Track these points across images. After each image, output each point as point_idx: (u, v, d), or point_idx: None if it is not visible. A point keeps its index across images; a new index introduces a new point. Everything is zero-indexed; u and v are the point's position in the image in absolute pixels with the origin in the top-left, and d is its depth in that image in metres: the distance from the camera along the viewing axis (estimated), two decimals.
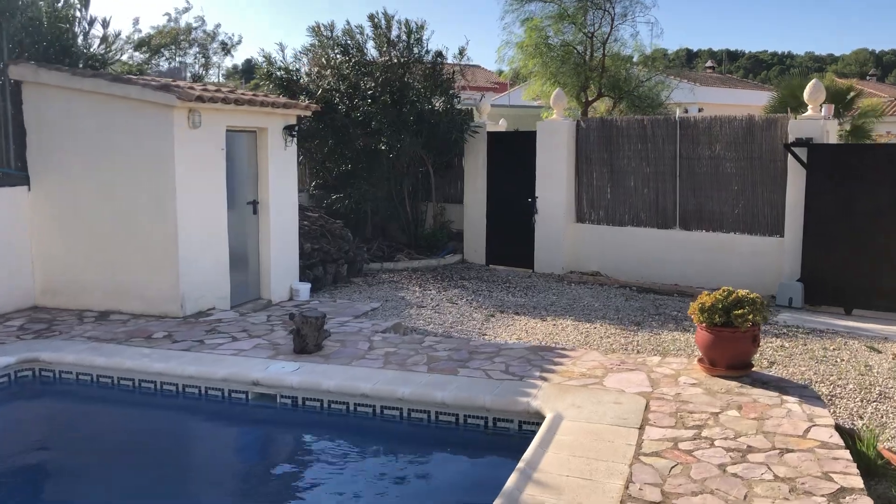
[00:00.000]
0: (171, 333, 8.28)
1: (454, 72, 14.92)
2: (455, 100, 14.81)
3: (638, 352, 8.60)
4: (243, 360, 7.26)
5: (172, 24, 19.36)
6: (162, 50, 16.63)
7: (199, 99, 8.61)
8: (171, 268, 8.81)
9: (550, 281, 13.02)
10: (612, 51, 20.00)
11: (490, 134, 14.52)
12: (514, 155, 14.27)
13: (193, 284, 9.03)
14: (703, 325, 6.68)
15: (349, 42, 14.92)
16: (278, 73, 14.73)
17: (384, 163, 14.36)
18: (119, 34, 12.09)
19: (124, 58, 13.78)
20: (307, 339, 7.44)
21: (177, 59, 19.07)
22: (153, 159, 8.71)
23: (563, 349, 8.02)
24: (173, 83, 9.04)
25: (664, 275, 12.62)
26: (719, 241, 12.22)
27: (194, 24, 20.73)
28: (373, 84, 14.01)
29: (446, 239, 15.42)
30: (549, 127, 13.77)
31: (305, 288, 10.99)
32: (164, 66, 17.16)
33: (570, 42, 20.04)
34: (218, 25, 38.80)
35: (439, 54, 14.73)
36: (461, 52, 15.08)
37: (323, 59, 14.70)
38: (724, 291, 6.70)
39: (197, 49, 19.60)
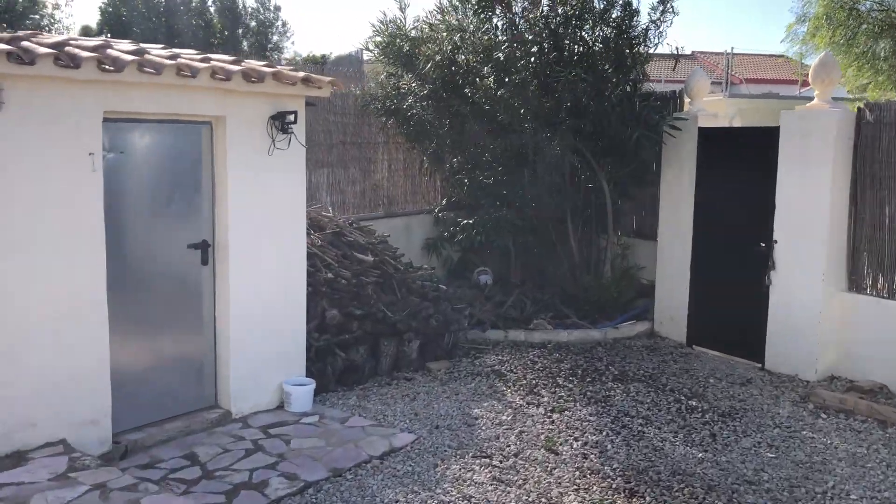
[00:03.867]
0: None
1: (647, 29, 9.22)
2: (639, 76, 9.23)
3: None
4: None
5: None
6: None
7: None
8: None
9: (785, 398, 7.08)
10: None
11: (702, 131, 8.76)
12: (739, 166, 8.40)
13: None
14: None
15: None
16: (399, 45, 10.20)
17: (541, 172, 9.27)
18: None
19: None
20: None
21: None
22: None
23: None
24: None
25: None
26: None
27: None
28: (516, 53, 8.92)
29: (631, 295, 9.90)
30: (804, 121, 7.71)
31: (303, 393, 6.42)
32: None
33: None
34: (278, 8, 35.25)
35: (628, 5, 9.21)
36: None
37: (447, 21, 9.88)
38: None
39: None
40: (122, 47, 5.35)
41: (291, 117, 6.17)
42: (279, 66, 6.00)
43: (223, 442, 5.74)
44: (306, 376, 6.68)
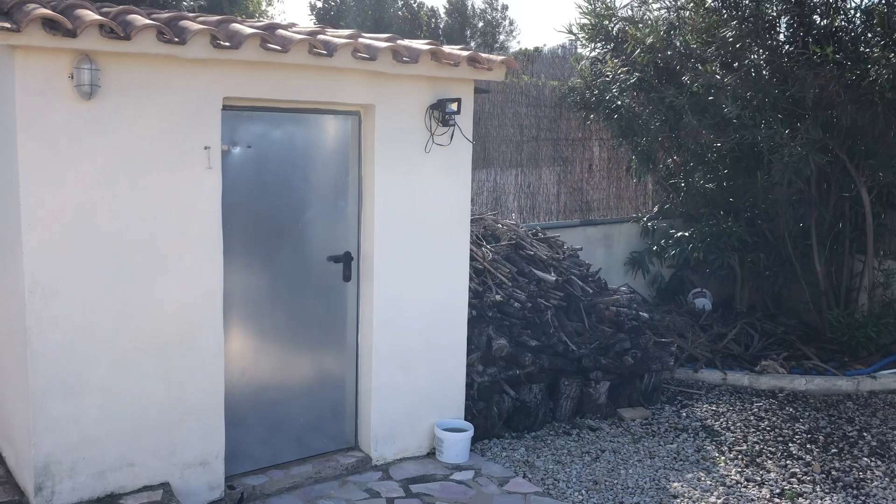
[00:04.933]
0: None
1: None
2: None
3: None
4: None
5: None
6: None
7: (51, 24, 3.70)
8: (20, 398, 4.10)
9: None
10: None
11: None
12: None
13: (76, 441, 4.19)
14: None
15: None
16: (607, 26, 8.77)
17: (778, 176, 7.48)
18: None
19: None
20: None
21: None
22: None
23: None
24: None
25: None
26: None
27: None
28: (748, 31, 7.17)
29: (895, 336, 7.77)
30: None
31: (457, 441, 5.27)
32: None
33: None
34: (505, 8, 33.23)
35: None
36: None
37: None
38: None
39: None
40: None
41: (454, 106, 5.03)
42: (440, 45, 4.90)
43: (354, 498, 4.73)
44: (466, 418, 5.54)
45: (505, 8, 35.00)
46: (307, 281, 4.94)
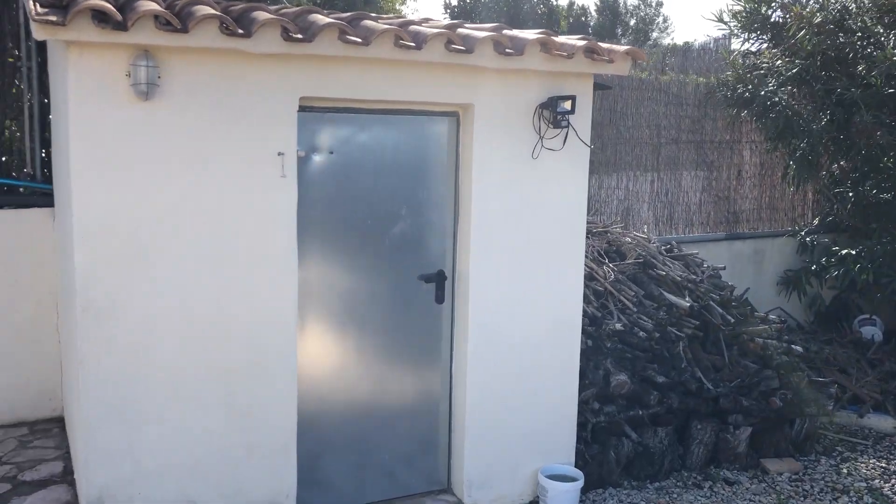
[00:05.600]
0: None
1: None
2: None
3: None
4: None
5: None
6: None
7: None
8: (76, 425, 3.77)
9: None
10: None
11: None
12: None
13: (130, 474, 3.83)
14: None
15: None
16: (764, 12, 7.70)
17: None
18: None
19: None
20: None
21: None
22: None
23: None
24: None
25: None
26: None
27: None
28: None
29: None
30: None
31: (563, 492, 4.56)
32: None
33: None
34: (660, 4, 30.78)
35: None
36: None
37: None
38: None
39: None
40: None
41: (567, 105, 4.33)
42: (551, 35, 4.22)
43: None
44: (577, 464, 4.82)
45: (660, 4, 33.44)
46: (394, 303, 4.40)
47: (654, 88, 7.51)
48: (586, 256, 5.61)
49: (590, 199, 7.12)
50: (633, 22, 33.03)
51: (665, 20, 33.92)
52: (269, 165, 3.82)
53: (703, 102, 7.75)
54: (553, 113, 4.37)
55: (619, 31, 32.67)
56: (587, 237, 5.93)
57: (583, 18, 29.17)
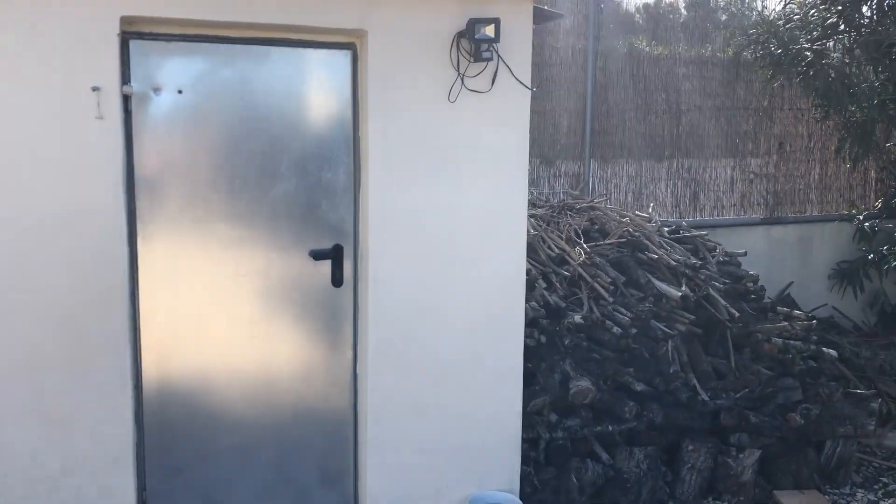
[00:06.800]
0: None
1: None
2: None
3: None
4: None
5: None
6: None
7: None
8: None
9: None
10: None
11: None
12: None
13: None
14: None
15: None
16: None
17: None
18: None
19: None
20: None
21: None
22: None
23: None
24: None
25: None
26: None
27: None
28: None
29: None
30: None
31: None
32: None
33: None
34: None
35: None
36: None
37: None
38: None
39: None
40: None
41: (488, 31, 3.36)
42: None
43: None
44: (523, 492, 3.83)
45: None
46: (276, 287, 3.52)
47: (682, 45, 6.42)
48: (559, 236, 4.61)
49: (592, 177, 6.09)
50: None
51: None
52: (82, 104, 3.01)
53: (731, 63, 6.57)
54: (472, 42, 3.41)
55: None
56: (567, 214, 4.93)
57: None
